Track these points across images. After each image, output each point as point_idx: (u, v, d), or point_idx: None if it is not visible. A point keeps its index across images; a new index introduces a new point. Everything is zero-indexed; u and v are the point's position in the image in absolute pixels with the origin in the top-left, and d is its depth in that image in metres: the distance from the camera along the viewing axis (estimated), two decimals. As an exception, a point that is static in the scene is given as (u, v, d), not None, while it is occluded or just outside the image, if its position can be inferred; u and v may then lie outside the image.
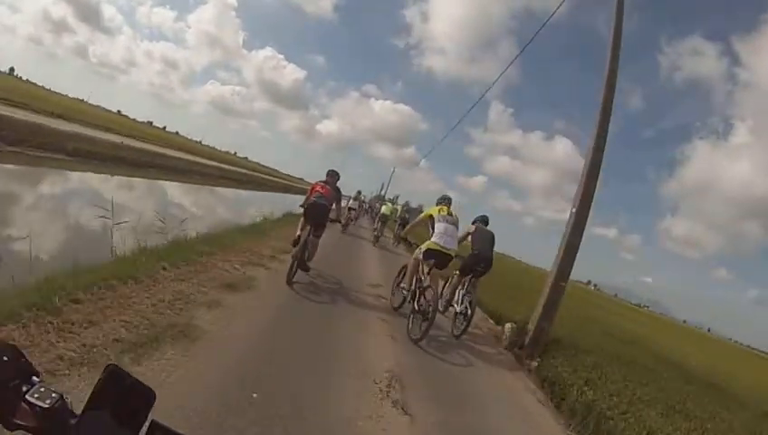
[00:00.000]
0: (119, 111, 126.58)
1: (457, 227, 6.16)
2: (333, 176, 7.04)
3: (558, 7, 8.86)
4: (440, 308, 7.25)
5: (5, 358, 0.59)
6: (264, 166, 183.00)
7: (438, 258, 5.84)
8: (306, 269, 6.62)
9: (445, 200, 6.44)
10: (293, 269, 6.14)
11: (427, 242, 5.95)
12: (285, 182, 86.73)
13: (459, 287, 7.10)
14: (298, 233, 6.46)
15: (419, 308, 5.62)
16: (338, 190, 7.02)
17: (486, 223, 7.35)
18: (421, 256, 5.95)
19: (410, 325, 5.62)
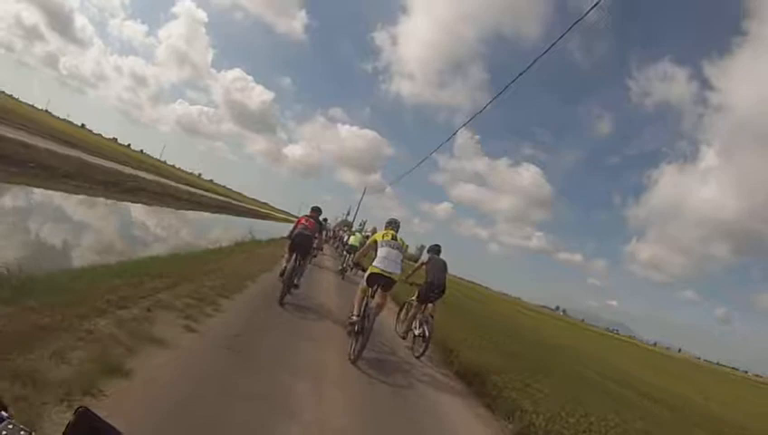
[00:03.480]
0: (83, 125, 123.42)
1: (401, 251, 6.20)
2: (317, 211, 8.30)
3: (548, 49, 8.73)
4: (401, 334, 7.99)
5: None
6: (227, 189, 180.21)
7: (381, 281, 5.95)
8: (296, 286, 7.72)
9: (391, 224, 6.54)
10: (284, 292, 7.11)
11: (370, 266, 6.03)
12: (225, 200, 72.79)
13: (417, 312, 7.49)
14: (284, 265, 7.53)
15: (361, 329, 5.64)
16: (320, 223, 8.31)
17: (439, 252, 7.83)
18: (365, 283, 6.04)
19: (351, 347, 5.66)
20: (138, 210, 22.33)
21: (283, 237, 21.31)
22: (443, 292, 7.53)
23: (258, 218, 56.47)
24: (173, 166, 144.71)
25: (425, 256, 7.90)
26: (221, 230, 25.52)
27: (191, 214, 32.02)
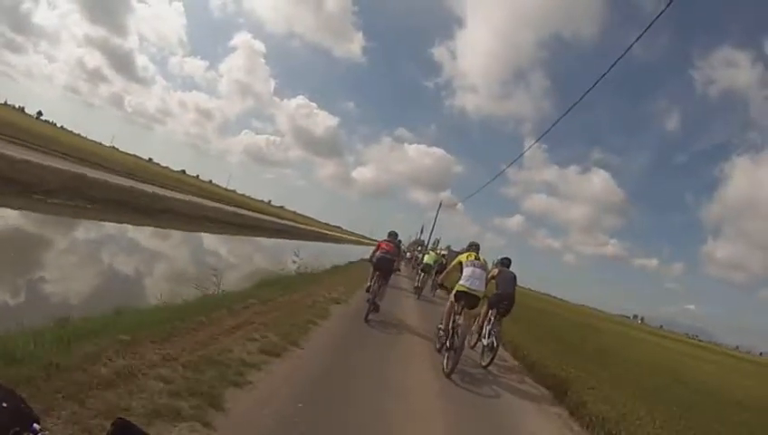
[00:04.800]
0: (150, 159, 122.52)
1: (485, 270, 6.79)
2: (394, 236, 9.22)
3: (615, 63, 9.86)
4: (469, 344, 8.18)
5: (5, 404, 0.57)
6: (296, 213, 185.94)
7: (467, 299, 6.45)
8: (377, 310, 8.20)
9: (472, 247, 7.13)
10: (369, 310, 7.94)
11: (457, 285, 6.60)
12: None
13: (486, 323, 7.80)
14: (368, 284, 8.50)
15: (451, 345, 6.14)
16: (399, 247, 9.26)
17: (509, 265, 8.21)
18: (453, 299, 6.57)
19: (444, 361, 6.16)
20: (152, 236, 18.88)
21: (350, 262, 23.50)
22: (512, 303, 7.77)
23: (324, 241, 54.09)
24: (242, 194, 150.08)
25: (494, 269, 8.07)
26: (263, 259, 22.84)
27: (234, 239, 28.66)
